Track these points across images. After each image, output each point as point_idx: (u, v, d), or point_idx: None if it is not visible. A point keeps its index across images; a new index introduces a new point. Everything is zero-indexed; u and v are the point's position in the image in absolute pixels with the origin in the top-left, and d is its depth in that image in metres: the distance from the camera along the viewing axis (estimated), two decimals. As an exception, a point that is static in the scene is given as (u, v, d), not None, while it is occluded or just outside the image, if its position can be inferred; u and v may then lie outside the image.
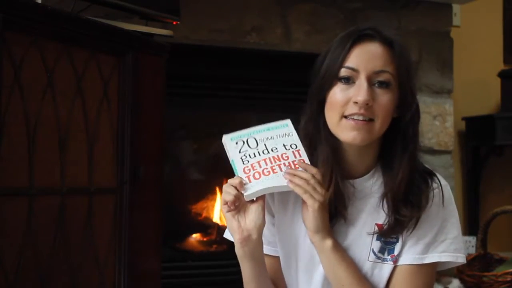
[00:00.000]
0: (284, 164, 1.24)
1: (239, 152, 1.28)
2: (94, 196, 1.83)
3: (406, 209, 1.24)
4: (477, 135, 3.68)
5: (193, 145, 3.26)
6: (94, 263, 1.83)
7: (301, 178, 1.21)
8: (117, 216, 1.90)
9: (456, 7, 3.59)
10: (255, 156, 1.27)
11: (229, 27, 2.97)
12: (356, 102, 1.21)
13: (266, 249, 1.34)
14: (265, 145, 1.28)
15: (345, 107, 1.22)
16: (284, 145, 1.27)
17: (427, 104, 3.32)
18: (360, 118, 1.21)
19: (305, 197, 1.21)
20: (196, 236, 3.21)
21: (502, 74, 3.63)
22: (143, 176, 1.96)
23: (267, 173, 1.24)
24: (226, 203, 1.22)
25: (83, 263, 1.79)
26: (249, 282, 1.28)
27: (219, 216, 3.14)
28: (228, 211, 1.23)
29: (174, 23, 2.25)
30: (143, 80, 2.00)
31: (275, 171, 1.24)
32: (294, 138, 1.28)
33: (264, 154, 1.27)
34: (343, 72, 1.23)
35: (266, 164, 1.25)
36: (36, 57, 1.66)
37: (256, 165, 1.25)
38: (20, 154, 1.61)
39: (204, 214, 3.18)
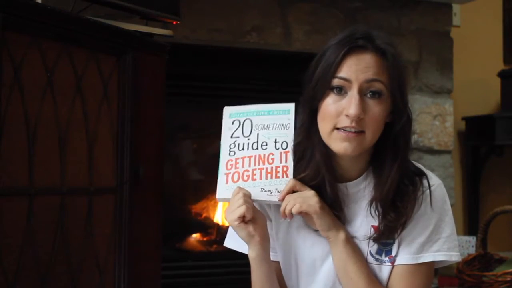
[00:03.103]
0: (267, 169, 1.27)
1: (231, 137, 1.32)
2: (94, 196, 1.83)
3: (393, 214, 1.25)
4: (477, 135, 3.68)
5: (193, 145, 3.26)
6: (94, 263, 1.83)
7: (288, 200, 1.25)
8: (117, 216, 1.90)
9: (456, 7, 3.59)
10: (243, 149, 1.30)
11: (229, 27, 2.97)
12: (347, 115, 1.21)
13: None
14: (257, 135, 1.30)
15: (337, 119, 1.22)
16: (275, 142, 1.29)
17: (427, 104, 3.32)
18: (352, 130, 1.21)
19: (303, 208, 1.24)
20: (196, 236, 3.21)
21: (502, 74, 3.63)
22: (143, 176, 1.96)
23: (246, 178, 1.27)
24: (241, 216, 1.23)
25: (83, 263, 1.79)
26: (262, 286, 1.29)
27: (219, 216, 3.14)
28: (243, 221, 1.24)
29: (174, 23, 2.24)
30: (143, 80, 1.99)
31: (254, 177, 1.27)
32: (289, 132, 1.29)
33: (252, 150, 1.30)
34: (336, 82, 1.23)
35: (249, 165, 1.28)
36: (36, 57, 1.65)
37: (240, 161, 1.29)
38: (20, 154, 1.61)
39: (204, 214, 3.18)
